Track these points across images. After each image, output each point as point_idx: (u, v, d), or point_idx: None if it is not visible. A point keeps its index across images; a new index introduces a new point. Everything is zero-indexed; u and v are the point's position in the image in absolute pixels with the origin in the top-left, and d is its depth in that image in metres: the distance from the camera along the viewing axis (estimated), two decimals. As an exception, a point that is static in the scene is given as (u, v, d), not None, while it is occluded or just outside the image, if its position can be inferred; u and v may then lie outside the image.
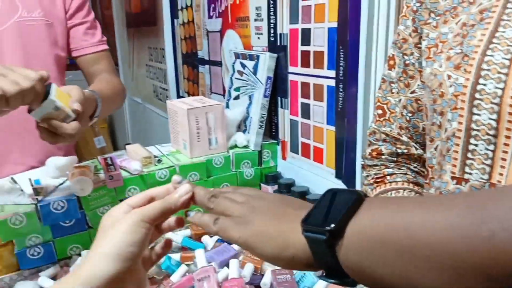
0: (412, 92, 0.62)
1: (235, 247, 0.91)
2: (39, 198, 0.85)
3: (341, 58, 0.85)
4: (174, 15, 1.66)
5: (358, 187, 0.86)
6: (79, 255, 0.91)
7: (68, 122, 0.77)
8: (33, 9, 1.02)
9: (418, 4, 0.58)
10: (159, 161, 1.04)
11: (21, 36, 1.00)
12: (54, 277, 0.86)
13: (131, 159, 1.01)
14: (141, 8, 2.09)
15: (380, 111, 0.66)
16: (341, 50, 0.85)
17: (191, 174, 1.03)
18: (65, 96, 0.79)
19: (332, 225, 0.34)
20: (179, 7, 1.59)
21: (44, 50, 1.04)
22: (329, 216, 0.36)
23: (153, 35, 1.96)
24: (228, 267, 0.84)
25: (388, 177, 0.66)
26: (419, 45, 0.60)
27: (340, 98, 0.87)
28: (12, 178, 0.97)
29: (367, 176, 0.69)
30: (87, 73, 1.13)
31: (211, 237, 0.97)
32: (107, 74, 1.10)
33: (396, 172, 0.66)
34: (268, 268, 0.83)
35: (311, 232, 0.36)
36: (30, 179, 0.92)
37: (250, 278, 0.82)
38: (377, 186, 0.66)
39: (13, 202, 0.86)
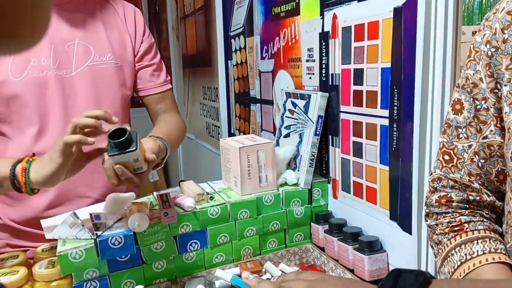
0: (484, 138, 0.60)
1: None
2: (98, 233, 0.89)
3: (395, 98, 0.84)
4: (228, 56, 1.73)
5: (414, 229, 0.83)
6: (133, 289, 0.93)
7: (138, 173, 0.84)
8: (104, 53, 1.10)
9: (493, 50, 0.57)
10: (211, 198, 1.06)
11: (93, 79, 1.08)
12: (108, 311, 0.88)
13: (185, 195, 1.04)
14: (197, 50, 2.20)
15: (447, 157, 0.64)
16: (395, 90, 0.84)
17: (241, 212, 1.03)
18: (143, 148, 0.85)
19: None
20: (233, 49, 1.65)
21: (113, 91, 1.12)
22: None
23: (207, 75, 2.04)
24: (278, 309, 0.82)
25: (467, 225, 0.63)
26: (495, 91, 0.58)
27: (395, 138, 0.86)
28: (74, 213, 1.03)
29: (438, 224, 0.66)
30: (152, 111, 1.21)
31: (260, 275, 0.96)
32: (172, 113, 1.20)
33: (474, 219, 0.63)
34: (320, 313, 0.81)
35: None
36: (91, 214, 0.96)
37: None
38: (456, 235, 0.63)
39: (74, 236, 0.91)
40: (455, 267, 0.60)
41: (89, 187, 1.13)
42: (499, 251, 0.58)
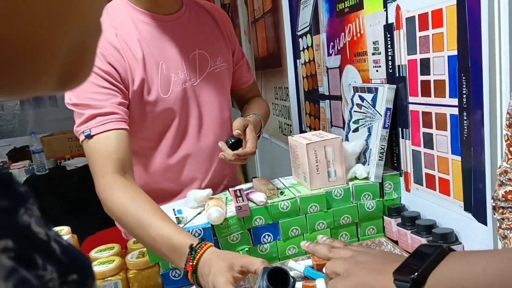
0: None
1: (356, 279, 0.90)
2: (181, 226, 0.98)
3: (464, 86, 0.82)
4: (296, 56, 1.77)
5: (489, 219, 0.80)
6: (212, 278, 1.00)
7: None
8: (216, 58, 1.23)
9: None
10: (282, 193, 1.10)
11: (213, 83, 1.22)
12: (192, 297, 0.97)
13: (257, 191, 1.10)
14: (268, 52, 2.26)
15: None
16: (463, 78, 0.82)
17: (311, 206, 1.06)
18: None
19: (415, 274, 0.42)
20: (301, 48, 1.68)
21: (227, 90, 1.28)
22: (416, 267, 0.43)
23: (278, 75, 2.09)
24: (349, 299, 0.84)
25: None
26: None
27: (465, 127, 0.83)
28: (159, 208, 1.13)
29: (504, 219, 0.64)
30: (242, 100, 1.39)
31: (333, 268, 0.98)
32: (259, 98, 1.41)
33: None
34: (391, 303, 0.81)
35: (399, 281, 0.45)
36: (174, 209, 1.06)
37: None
38: None
39: (160, 228, 1.01)
40: None
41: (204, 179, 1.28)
42: None
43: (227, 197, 1.13)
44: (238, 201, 1.03)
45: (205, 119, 1.22)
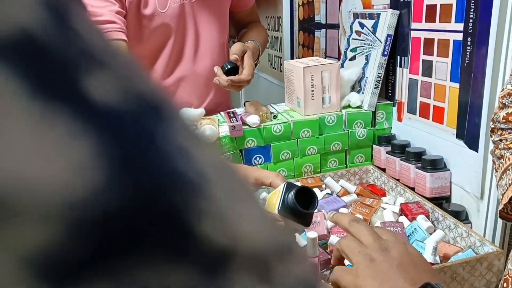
0: None
1: (345, 199, 0.93)
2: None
3: (471, 10, 0.80)
4: (292, -18, 1.69)
5: (481, 146, 0.81)
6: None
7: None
8: None
9: None
10: (275, 116, 1.10)
11: (212, 1, 1.16)
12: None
13: (250, 113, 1.08)
14: (260, -22, 2.15)
15: None
16: (472, 1, 0.79)
17: (303, 131, 1.06)
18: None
19: None
20: (298, -27, 1.61)
21: (226, 12, 1.23)
22: None
23: (271, 4, 2.01)
24: (338, 216, 0.87)
25: None
26: None
27: (468, 53, 0.82)
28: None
29: (502, 140, 0.65)
30: (241, 24, 1.33)
31: (321, 191, 1.00)
32: (258, 23, 1.36)
33: None
34: (378, 221, 0.84)
35: None
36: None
37: (359, 229, 0.84)
38: None
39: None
40: None
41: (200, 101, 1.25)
42: None
43: (219, 119, 1.12)
44: (232, 121, 1.02)
45: (202, 39, 1.17)
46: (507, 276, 0.68)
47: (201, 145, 0.13)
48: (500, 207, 0.63)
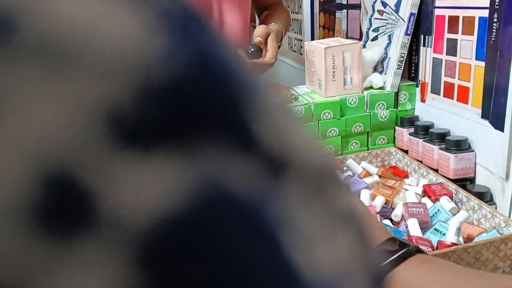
0: None
1: (367, 180, 0.93)
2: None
3: (499, -16, 0.78)
4: (313, -38, 1.66)
5: (507, 125, 0.80)
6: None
7: None
8: None
9: None
10: (296, 98, 1.09)
11: None
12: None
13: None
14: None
15: None
16: (500, -25, 0.77)
17: (324, 112, 1.06)
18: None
19: None
20: (318, -47, 1.58)
21: None
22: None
23: (290, -15, 1.99)
24: (359, 197, 0.87)
25: None
26: None
27: (494, 30, 0.80)
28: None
29: None
30: (264, 5, 1.32)
31: (342, 173, 1.00)
32: (280, 5, 1.34)
33: None
34: (400, 202, 0.84)
35: None
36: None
37: (381, 210, 0.84)
38: None
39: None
40: None
41: None
42: None
43: (239, 102, 1.13)
44: (252, 103, 1.03)
45: (226, 23, 1.17)
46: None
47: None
48: None
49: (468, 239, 0.74)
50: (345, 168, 1.04)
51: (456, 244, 0.69)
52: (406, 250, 0.38)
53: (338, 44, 1.05)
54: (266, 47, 1.07)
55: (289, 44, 2.18)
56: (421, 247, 0.45)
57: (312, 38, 1.79)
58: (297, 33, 2.01)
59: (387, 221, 0.81)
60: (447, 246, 0.68)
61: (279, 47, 1.17)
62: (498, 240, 0.68)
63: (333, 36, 1.56)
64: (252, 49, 1.08)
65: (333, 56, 1.05)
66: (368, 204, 0.83)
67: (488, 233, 0.74)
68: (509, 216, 0.80)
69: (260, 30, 1.07)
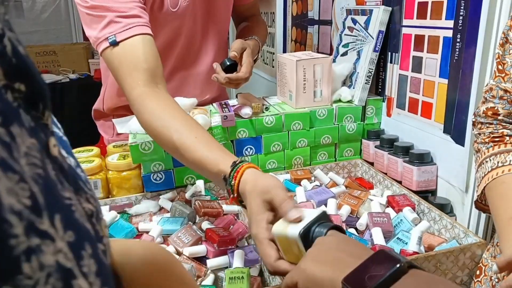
0: None
1: (333, 190, 0.94)
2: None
3: (462, 7, 0.82)
4: (287, -23, 1.70)
5: (467, 140, 0.84)
6: (193, 184, 1.02)
7: None
8: None
9: None
10: (267, 108, 1.11)
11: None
12: (172, 200, 0.98)
13: (242, 105, 1.09)
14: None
15: (500, 67, 0.65)
16: (462, -1, 0.82)
17: (294, 123, 1.08)
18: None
19: None
20: (293, -31, 1.62)
21: (230, 5, 1.22)
22: (366, 282, 0.37)
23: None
24: (326, 206, 0.88)
25: (508, 138, 0.64)
26: None
27: (457, 49, 0.84)
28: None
29: (480, 134, 0.67)
30: (243, 16, 1.32)
31: (310, 182, 1.02)
32: (258, 17, 1.34)
33: None
34: (365, 212, 0.86)
35: None
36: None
37: (346, 219, 0.86)
38: (495, 145, 0.64)
39: (144, 132, 1.00)
40: (486, 173, 0.63)
41: (195, 90, 1.23)
42: None
43: (211, 110, 1.13)
44: (224, 111, 1.03)
45: (208, 37, 1.17)
46: (481, 264, 0.70)
47: None
48: (475, 198, 0.65)
49: (429, 248, 0.77)
50: (313, 178, 1.06)
51: (417, 253, 0.72)
52: (398, 267, 0.36)
53: (309, 58, 1.07)
54: (241, 62, 1.06)
55: (261, 56, 2.20)
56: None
57: (284, 51, 1.82)
58: (270, 46, 2.04)
59: (352, 230, 0.83)
60: (409, 255, 0.70)
61: (255, 60, 1.17)
62: (457, 249, 0.71)
63: (305, 50, 1.59)
64: (228, 63, 1.07)
65: (304, 69, 1.07)
66: (335, 213, 0.84)
67: (448, 243, 0.76)
68: (468, 227, 0.84)
69: (236, 44, 1.07)
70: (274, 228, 0.56)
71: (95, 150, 1.09)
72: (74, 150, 1.08)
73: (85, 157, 1.04)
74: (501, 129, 0.64)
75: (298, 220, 0.53)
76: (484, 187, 0.62)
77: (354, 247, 0.45)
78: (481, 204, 0.68)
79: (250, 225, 0.62)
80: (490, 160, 0.63)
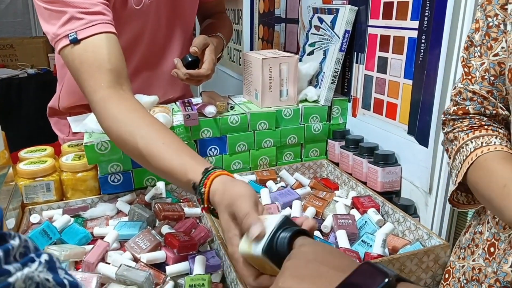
0: (495, 55, 0.61)
1: (299, 192, 0.93)
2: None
3: (427, 8, 0.82)
4: (254, -26, 1.67)
5: (431, 142, 0.84)
6: (154, 186, 0.98)
7: None
8: None
9: None
10: (232, 107, 1.07)
11: None
12: (130, 203, 0.94)
13: (206, 104, 1.06)
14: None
15: (466, 70, 0.65)
16: (428, 0, 0.81)
17: (260, 123, 1.05)
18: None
19: None
20: (260, -34, 1.59)
21: (196, 3, 1.17)
22: None
23: (231, -4, 1.99)
24: (291, 208, 0.86)
25: (487, 126, 0.63)
26: (505, 7, 0.58)
27: (422, 50, 0.84)
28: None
29: (455, 128, 0.65)
30: (208, 13, 1.28)
31: (275, 183, 1.00)
32: (224, 15, 1.31)
33: (494, 124, 0.63)
34: (330, 213, 0.84)
35: None
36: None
37: (312, 221, 0.84)
38: (474, 130, 0.62)
39: (101, 131, 0.94)
40: (467, 154, 0.60)
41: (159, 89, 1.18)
42: None
43: (173, 108, 1.09)
44: (187, 110, 0.99)
45: (173, 35, 1.13)
46: (449, 267, 0.70)
47: None
48: (454, 187, 0.64)
49: (393, 250, 0.76)
50: (278, 179, 1.04)
51: (382, 256, 0.71)
52: (386, 282, 0.34)
53: (275, 56, 1.05)
54: (203, 58, 1.02)
55: (228, 54, 2.17)
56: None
57: (251, 49, 1.80)
58: (237, 44, 2.00)
59: (317, 233, 0.81)
60: (374, 258, 0.69)
61: (219, 58, 1.14)
62: (421, 252, 0.70)
63: (272, 48, 1.57)
64: (190, 59, 1.03)
65: (270, 67, 1.05)
66: (300, 215, 0.82)
67: (412, 245, 0.76)
68: (432, 229, 0.84)
69: (198, 40, 1.03)
70: (240, 248, 0.52)
71: (49, 149, 1.03)
72: (25, 150, 1.02)
73: (38, 158, 0.98)
74: (478, 121, 0.64)
75: (262, 236, 0.49)
76: (468, 168, 0.60)
77: (334, 257, 0.41)
78: (455, 201, 0.67)
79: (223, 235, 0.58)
80: (472, 142, 0.61)
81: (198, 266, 0.70)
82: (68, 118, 1.06)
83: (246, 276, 0.53)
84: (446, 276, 0.70)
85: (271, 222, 0.50)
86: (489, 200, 0.56)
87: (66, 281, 0.31)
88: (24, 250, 0.30)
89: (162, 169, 0.69)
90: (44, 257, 0.31)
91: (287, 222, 0.49)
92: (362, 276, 0.35)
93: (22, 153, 1.00)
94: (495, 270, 0.59)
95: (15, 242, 0.29)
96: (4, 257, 0.28)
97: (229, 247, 0.56)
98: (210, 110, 1.00)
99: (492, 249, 0.61)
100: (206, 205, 0.61)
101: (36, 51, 3.47)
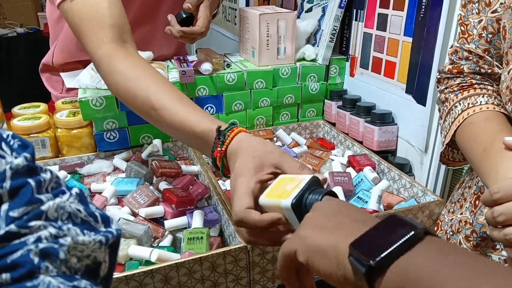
0: (493, 12, 0.59)
1: (295, 150, 0.93)
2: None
3: (430, -38, 0.79)
4: None
5: (429, 100, 0.83)
6: (150, 143, 0.97)
7: None
8: None
9: None
10: (228, 65, 1.06)
11: None
12: (127, 160, 0.94)
13: (202, 61, 1.04)
14: None
15: (462, 28, 0.64)
16: (431, -47, 0.79)
17: (257, 81, 1.04)
18: None
19: (373, 261, 0.32)
20: None
21: None
22: (378, 248, 0.33)
23: (227, -48, 1.92)
24: (288, 166, 0.87)
25: (477, 85, 0.63)
26: None
27: (423, 7, 0.83)
28: (92, 69, 1.04)
29: (448, 87, 0.66)
30: None
31: (272, 143, 1.00)
32: None
33: (484, 83, 0.63)
34: (326, 171, 0.85)
35: (355, 259, 0.34)
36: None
37: (308, 179, 0.85)
38: (463, 91, 0.63)
39: (95, 86, 0.93)
40: (456, 117, 0.62)
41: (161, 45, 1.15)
42: (502, 106, 0.60)
43: (168, 65, 1.07)
44: (182, 66, 0.97)
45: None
46: (439, 220, 0.72)
47: None
48: (442, 148, 0.65)
49: (388, 207, 0.78)
50: (275, 138, 1.03)
51: (377, 211, 0.72)
52: (413, 234, 0.33)
53: (273, 12, 1.02)
54: (197, 15, 0.99)
55: (223, 13, 2.11)
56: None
57: (247, 6, 1.75)
58: (232, 2, 1.95)
59: (313, 190, 0.82)
60: (369, 213, 0.70)
61: (214, 15, 1.10)
62: (416, 208, 0.71)
63: (268, 5, 1.53)
64: (184, 16, 0.99)
65: (268, 24, 1.02)
66: (296, 172, 0.83)
67: (407, 202, 0.77)
68: (426, 186, 0.85)
69: None
70: (262, 199, 0.52)
71: (42, 106, 1.01)
72: (19, 106, 1.01)
73: (32, 114, 0.97)
74: (469, 79, 0.64)
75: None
76: (455, 130, 0.61)
77: (357, 212, 0.41)
78: (446, 158, 0.68)
79: (232, 178, 0.57)
80: (460, 103, 0.62)
81: (196, 220, 0.71)
82: (62, 74, 1.04)
83: (240, 201, 0.53)
84: (435, 229, 0.72)
85: (302, 179, 0.50)
86: (471, 162, 0.58)
87: (97, 213, 0.33)
88: (55, 185, 0.32)
89: (175, 122, 0.67)
90: (75, 190, 0.33)
91: (317, 182, 0.50)
92: (388, 227, 0.35)
93: (16, 109, 0.99)
94: (471, 222, 0.61)
95: (46, 175, 0.31)
96: (36, 187, 0.29)
97: (239, 181, 0.55)
98: (206, 67, 0.99)
99: (477, 202, 0.63)
100: (225, 148, 0.61)
101: (24, 9, 3.37)
